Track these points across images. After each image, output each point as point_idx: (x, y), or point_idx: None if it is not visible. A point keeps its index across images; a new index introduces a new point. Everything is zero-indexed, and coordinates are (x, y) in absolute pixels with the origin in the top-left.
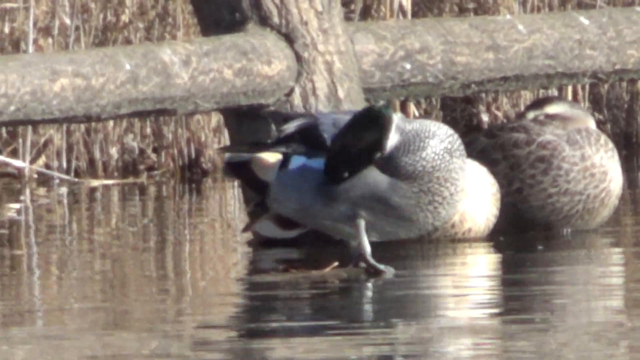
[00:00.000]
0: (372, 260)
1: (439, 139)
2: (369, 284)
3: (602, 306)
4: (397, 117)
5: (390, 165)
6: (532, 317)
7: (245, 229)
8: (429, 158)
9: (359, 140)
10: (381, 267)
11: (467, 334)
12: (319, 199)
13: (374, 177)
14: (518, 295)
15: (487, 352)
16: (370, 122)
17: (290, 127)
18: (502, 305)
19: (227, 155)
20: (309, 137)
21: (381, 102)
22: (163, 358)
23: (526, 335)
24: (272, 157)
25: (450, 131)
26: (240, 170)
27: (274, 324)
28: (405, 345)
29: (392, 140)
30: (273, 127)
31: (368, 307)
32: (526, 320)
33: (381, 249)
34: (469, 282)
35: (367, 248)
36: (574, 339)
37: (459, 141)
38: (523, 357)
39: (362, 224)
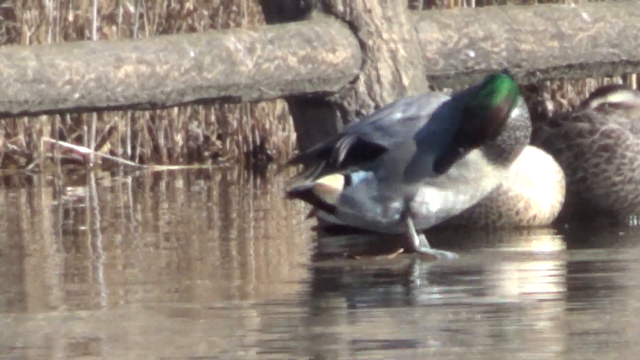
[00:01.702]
0: (429, 250)
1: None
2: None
3: None
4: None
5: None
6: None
7: (309, 215)
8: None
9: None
10: (447, 253)
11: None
12: (379, 204)
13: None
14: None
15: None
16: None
17: (341, 149)
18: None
19: (290, 186)
20: (359, 152)
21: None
22: (225, 337)
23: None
24: (333, 180)
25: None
26: (304, 196)
27: (338, 305)
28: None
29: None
30: (338, 115)
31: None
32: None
33: (444, 238)
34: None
35: (417, 240)
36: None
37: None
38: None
39: (409, 218)
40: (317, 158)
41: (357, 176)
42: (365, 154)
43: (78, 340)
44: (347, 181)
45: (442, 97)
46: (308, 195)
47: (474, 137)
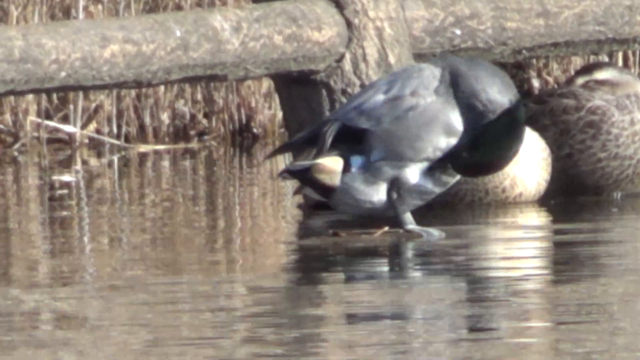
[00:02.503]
0: (415, 227)
1: None
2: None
3: None
4: None
5: None
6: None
7: (295, 192)
8: None
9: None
10: (432, 230)
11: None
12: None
13: None
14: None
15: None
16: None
17: (327, 137)
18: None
19: (288, 164)
20: (346, 137)
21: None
22: (214, 311)
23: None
24: (333, 162)
25: None
26: (300, 175)
27: (322, 281)
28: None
29: None
30: (324, 93)
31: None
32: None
33: (430, 215)
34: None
35: (403, 217)
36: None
37: None
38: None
39: (396, 196)
40: (303, 146)
41: (355, 162)
42: (352, 138)
43: (63, 317)
44: (346, 167)
45: (426, 69)
46: (304, 175)
47: (478, 172)
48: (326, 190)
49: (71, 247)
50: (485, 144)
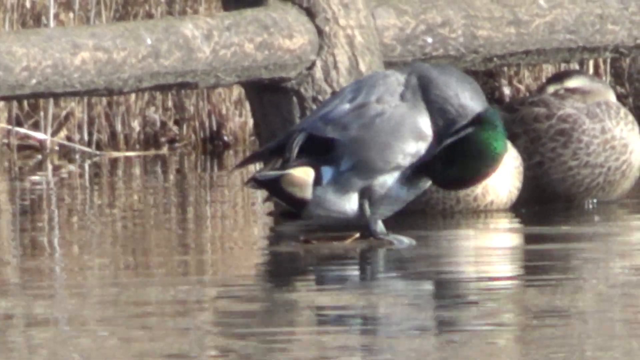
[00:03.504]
0: (385, 235)
1: None
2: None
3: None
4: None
5: None
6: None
7: (266, 199)
8: None
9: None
10: (403, 238)
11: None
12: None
13: None
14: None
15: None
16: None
17: (293, 147)
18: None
19: (256, 172)
20: (313, 147)
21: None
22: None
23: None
24: (303, 173)
25: None
26: (270, 186)
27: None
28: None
29: None
30: (295, 100)
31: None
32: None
33: (401, 223)
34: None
35: (373, 225)
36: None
37: None
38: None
39: (366, 204)
40: (271, 156)
41: (325, 172)
42: (321, 148)
43: (35, 319)
44: (317, 177)
45: (391, 75)
46: (274, 186)
47: (458, 186)
48: (298, 204)
49: (41, 251)
50: (460, 159)
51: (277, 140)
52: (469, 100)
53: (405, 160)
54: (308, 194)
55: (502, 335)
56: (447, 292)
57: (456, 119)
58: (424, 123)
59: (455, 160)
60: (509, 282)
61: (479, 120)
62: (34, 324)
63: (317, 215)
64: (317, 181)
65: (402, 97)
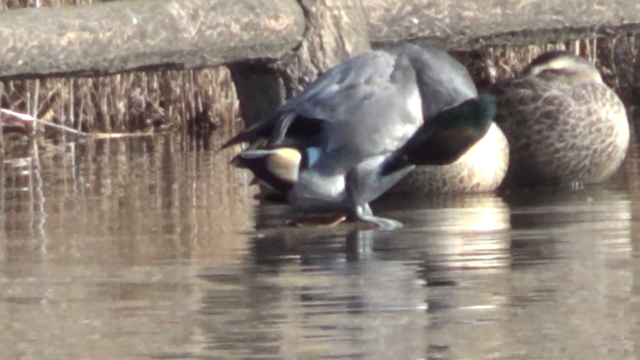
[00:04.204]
0: (371, 218)
1: None
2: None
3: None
4: None
5: None
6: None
7: (252, 182)
8: None
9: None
10: (389, 221)
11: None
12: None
13: None
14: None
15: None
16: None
17: (281, 128)
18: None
19: (242, 151)
20: (301, 128)
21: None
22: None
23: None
24: (290, 154)
25: None
26: (255, 166)
27: (277, 269)
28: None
29: None
30: (281, 81)
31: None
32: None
33: (387, 205)
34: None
35: (360, 208)
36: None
37: None
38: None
39: (353, 186)
40: (258, 136)
41: (312, 154)
42: (309, 129)
43: (20, 298)
44: (303, 159)
45: (380, 56)
46: (260, 166)
47: (434, 160)
48: (283, 185)
49: (25, 231)
50: (445, 120)
51: (264, 121)
52: (461, 85)
53: (392, 144)
54: (294, 175)
55: (487, 315)
56: (433, 274)
57: (450, 103)
58: (414, 105)
59: (435, 123)
60: (495, 263)
61: (468, 103)
62: (16, 302)
63: (303, 198)
64: (304, 163)
65: (392, 78)
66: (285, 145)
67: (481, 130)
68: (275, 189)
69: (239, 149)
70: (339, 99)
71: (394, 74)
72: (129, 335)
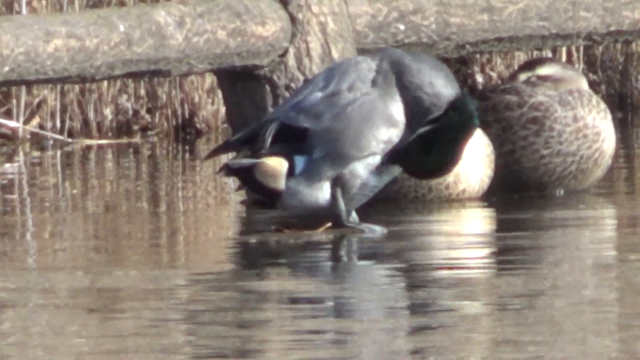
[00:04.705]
0: (357, 224)
1: None
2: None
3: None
4: None
5: None
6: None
7: (238, 188)
8: None
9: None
10: (375, 227)
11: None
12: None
13: None
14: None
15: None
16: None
17: (266, 136)
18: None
19: (229, 160)
20: (286, 136)
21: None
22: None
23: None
24: (277, 162)
25: None
26: (243, 175)
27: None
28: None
29: None
30: (267, 88)
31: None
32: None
33: (373, 211)
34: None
35: (345, 214)
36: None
37: None
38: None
39: (339, 192)
40: (243, 145)
41: (299, 162)
42: (294, 137)
43: (5, 302)
44: (290, 167)
45: (362, 62)
46: (247, 175)
47: (431, 175)
48: (270, 194)
49: (12, 229)
50: (437, 147)
51: (249, 129)
52: (442, 87)
53: (378, 147)
54: (281, 184)
55: (473, 320)
56: (418, 279)
57: (430, 107)
58: (396, 109)
59: (429, 150)
60: (480, 268)
61: (452, 108)
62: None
63: (292, 207)
64: (291, 171)
65: (374, 83)
66: (271, 153)
67: (473, 125)
68: (261, 197)
69: (224, 157)
70: (323, 106)
71: (375, 78)
72: (115, 341)
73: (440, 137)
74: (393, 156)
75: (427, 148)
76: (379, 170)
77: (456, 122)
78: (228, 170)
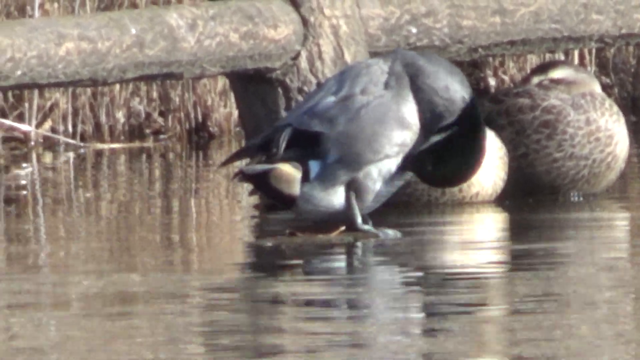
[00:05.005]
0: (371, 228)
1: None
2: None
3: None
4: None
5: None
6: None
7: (252, 192)
8: None
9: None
10: (388, 231)
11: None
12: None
13: None
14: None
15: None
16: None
17: (280, 142)
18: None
19: (244, 166)
20: (300, 141)
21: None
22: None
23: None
24: (291, 168)
25: None
26: (257, 181)
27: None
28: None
29: None
30: (280, 91)
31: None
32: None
33: (386, 215)
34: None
35: (359, 218)
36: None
37: None
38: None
39: (353, 196)
40: (258, 152)
41: (313, 167)
42: (308, 141)
43: (19, 304)
44: (305, 172)
45: (374, 64)
46: (261, 181)
47: (447, 184)
48: (285, 200)
49: (26, 240)
50: (451, 157)
51: (262, 135)
52: (457, 93)
53: (392, 150)
54: (296, 190)
55: (487, 323)
56: (432, 283)
57: (444, 113)
58: (409, 111)
59: (443, 159)
60: (494, 272)
61: (465, 116)
62: (16, 309)
63: (307, 212)
64: (305, 176)
65: (386, 85)
66: (286, 159)
67: (484, 132)
68: (276, 203)
69: (238, 162)
70: (336, 110)
71: (388, 81)
72: (129, 345)
73: (452, 148)
74: (405, 162)
75: (439, 157)
76: (392, 176)
77: (469, 130)
78: (243, 176)
